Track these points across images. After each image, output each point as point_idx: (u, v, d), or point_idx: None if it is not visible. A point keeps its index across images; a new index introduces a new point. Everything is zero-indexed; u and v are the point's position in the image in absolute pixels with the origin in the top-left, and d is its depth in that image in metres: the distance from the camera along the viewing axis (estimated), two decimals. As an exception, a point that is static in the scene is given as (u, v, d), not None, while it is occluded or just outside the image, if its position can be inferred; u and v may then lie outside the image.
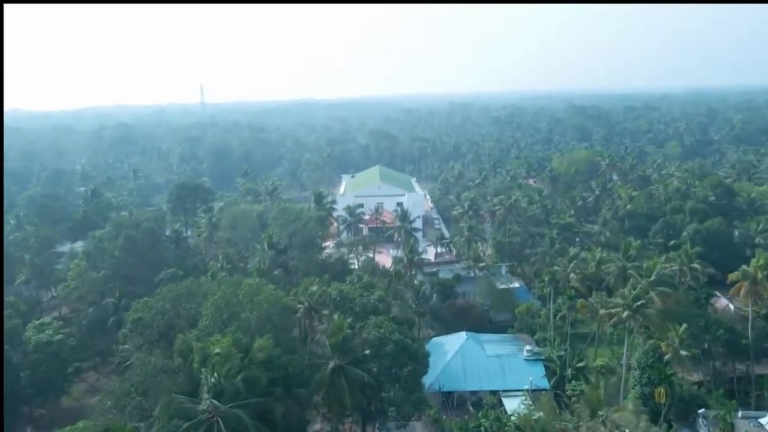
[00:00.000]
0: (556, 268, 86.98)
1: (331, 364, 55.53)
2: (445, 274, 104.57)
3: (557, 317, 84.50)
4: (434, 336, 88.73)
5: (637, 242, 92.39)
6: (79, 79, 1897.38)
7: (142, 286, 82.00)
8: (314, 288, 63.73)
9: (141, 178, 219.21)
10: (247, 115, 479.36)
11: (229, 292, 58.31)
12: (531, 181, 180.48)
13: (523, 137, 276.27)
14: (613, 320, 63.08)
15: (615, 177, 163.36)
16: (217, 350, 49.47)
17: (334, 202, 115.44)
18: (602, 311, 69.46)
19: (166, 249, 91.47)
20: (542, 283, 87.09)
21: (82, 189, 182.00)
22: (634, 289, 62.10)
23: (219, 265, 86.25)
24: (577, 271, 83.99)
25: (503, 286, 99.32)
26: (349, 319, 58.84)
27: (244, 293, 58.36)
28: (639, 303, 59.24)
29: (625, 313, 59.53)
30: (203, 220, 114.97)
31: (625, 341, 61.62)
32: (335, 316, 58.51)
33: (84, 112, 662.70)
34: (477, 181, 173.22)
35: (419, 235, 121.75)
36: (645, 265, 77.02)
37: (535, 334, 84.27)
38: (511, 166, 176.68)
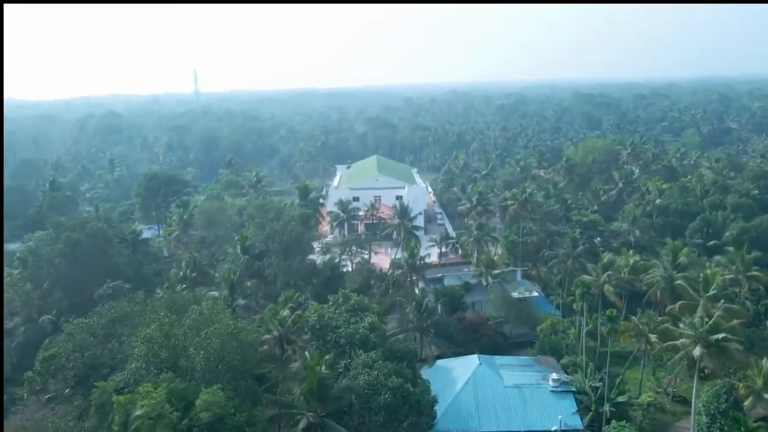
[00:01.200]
0: (586, 277, 72.50)
1: (304, 421, 41.24)
2: (451, 280, 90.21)
3: (583, 332, 70.10)
4: (439, 356, 74.66)
5: (677, 244, 78.03)
6: (75, 68, 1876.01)
7: (87, 301, 67.55)
8: (286, 312, 49.15)
9: (123, 168, 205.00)
10: (243, 104, 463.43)
11: (168, 322, 43.79)
12: (541, 172, 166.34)
13: (529, 125, 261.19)
14: (678, 356, 48.62)
15: (635, 168, 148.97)
16: (140, 412, 35.16)
17: (322, 197, 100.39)
18: (653, 338, 55.10)
19: (120, 254, 76.94)
20: (571, 297, 72.55)
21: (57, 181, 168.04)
22: (709, 318, 47.24)
23: (181, 273, 71.82)
24: (614, 281, 69.55)
25: (519, 295, 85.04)
26: (329, 356, 44.45)
27: (190, 323, 43.86)
28: (720, 337, 44.47)
29: (698, 350, 45.01)
30: (174, 217, 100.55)
31: (695, 383, 47.17)
32: (309, 353, 44.05)
33: (76, 101, 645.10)
34: (483, 172, 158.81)
35: (421, 233, 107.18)
36: (702, 275, 62.40)
37: (562, 358, 69.98)
38: (520, 156, 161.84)
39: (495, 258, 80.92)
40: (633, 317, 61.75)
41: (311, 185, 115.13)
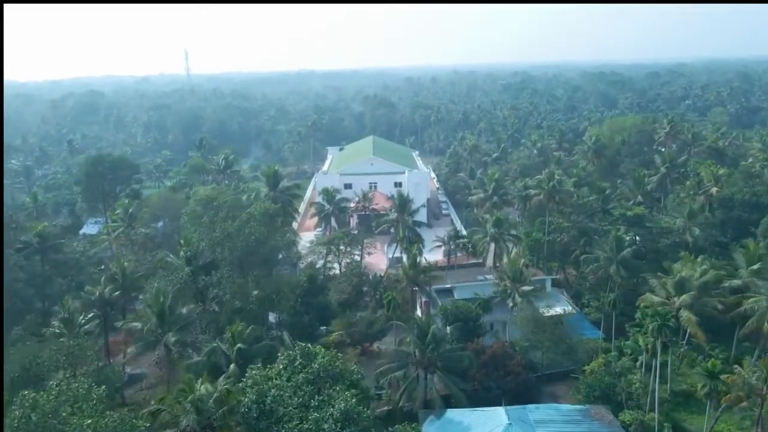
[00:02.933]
0: (653, 297, 53.01)
1: None
2: (463, 293, 70.59)
3: (655, 379, 50.64)
4: (447, 398, 55.51)
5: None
6: (70, 50, 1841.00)
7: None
8: (203, 389, 29.64)
9: (92, 150, 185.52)
10: (236, 85, 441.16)
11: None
12: (558, 154, 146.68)
13: (540, 104, 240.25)
14: None
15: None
16: None
17: (296, 186, 79.85)
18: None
19: (18, 266, 57.28)
20: (635, 327, 52.97)
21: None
22: None
23: (97, 293, 52.27)
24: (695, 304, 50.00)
25: (551, 312, 65.40)
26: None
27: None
28: None
29: None
30: (119, 210, 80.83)
31: None
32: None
33: (65, 82, 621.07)
34: (495, 155, 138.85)
35: (424, 229, 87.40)
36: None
37: (621, 411, 50.75)
38: (536, 136, 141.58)
39: (522, 265, 60.81)
40: (740, 368, 42.09)
41: (284, 171, 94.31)
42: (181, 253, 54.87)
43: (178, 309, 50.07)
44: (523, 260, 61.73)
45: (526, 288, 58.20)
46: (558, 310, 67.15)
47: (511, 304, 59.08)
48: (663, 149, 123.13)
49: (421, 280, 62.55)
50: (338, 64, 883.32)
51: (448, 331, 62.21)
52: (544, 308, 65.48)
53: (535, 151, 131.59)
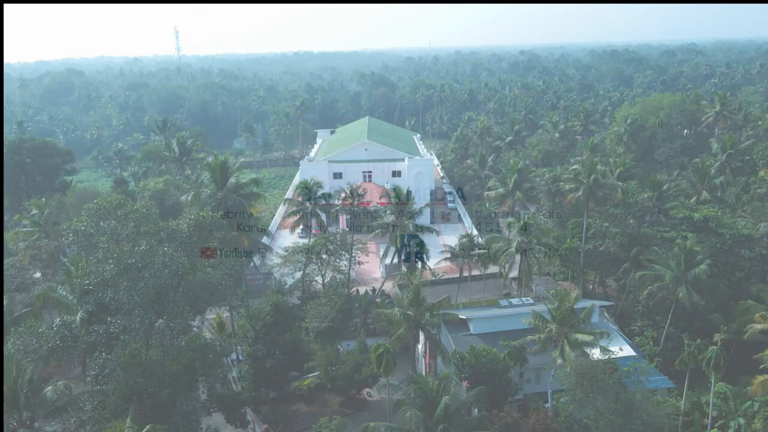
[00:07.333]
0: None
1: None
2: (481, 326, 52.52)
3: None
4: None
5: None
6: (65, 31, 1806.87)
7: None
8: None
9: (59, 134, 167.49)
10: (230, 65, 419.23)
11: None
12: (578, 137, 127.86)
13: (552, 83, 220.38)
14: None
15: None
16: None
17: (254, 183, 60.58)
18: None
19: None
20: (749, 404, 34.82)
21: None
22: None
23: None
24: None
25: (604, 355, 46.68)
26: None
27: None
28: None
29: None
30: (33, 213, 62.34)
31: None
32: None
33: (54, 62, 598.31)
34: (508, 139, 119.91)
35: (428, 236, 68.46)
36: None
37: None
38: (558, 118, 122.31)
39: (574, 301, 42.13)
40: None
41: (270, 157, 75.45)
42: (68, 286, 36.53)
43: (50, 382, 31.84)
44: (575, 293, 43.16)
45: (582, 337, 39.60)
46: (614, 350, 48.72)
47: (559, 360, 40.56)
48: (717, 132, 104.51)
49: (427, 322, 44.03)
50: (337, 46, 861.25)
51: (464, 388, 44.28)
52: (595, 349, 47.10)
53: (557, 135, 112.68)
